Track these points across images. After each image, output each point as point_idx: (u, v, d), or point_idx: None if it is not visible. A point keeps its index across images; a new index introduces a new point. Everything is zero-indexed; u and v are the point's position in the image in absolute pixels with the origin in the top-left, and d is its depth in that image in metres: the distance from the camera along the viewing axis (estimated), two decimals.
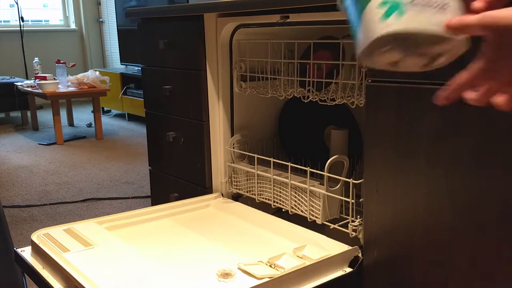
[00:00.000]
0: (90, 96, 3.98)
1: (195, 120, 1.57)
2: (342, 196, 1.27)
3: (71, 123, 4.44)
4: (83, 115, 4.89)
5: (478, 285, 0.92)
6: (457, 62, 0.52)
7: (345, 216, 1.24)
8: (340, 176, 1.26)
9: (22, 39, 5.08)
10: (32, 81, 4.17)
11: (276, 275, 1.01)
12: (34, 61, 4.37)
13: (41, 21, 5.77)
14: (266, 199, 1.46)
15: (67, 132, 4.07)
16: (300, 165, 1.35)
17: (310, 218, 1.32)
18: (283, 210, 1.41)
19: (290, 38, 1.40)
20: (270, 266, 1.09)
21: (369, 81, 1.04)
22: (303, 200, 1.33)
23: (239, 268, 1.08)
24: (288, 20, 1.26)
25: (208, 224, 1.39)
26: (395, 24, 0.47)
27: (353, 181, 1.18)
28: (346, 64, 1.28)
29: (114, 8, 4.99)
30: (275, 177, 1.40)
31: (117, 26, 4.95)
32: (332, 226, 1.24)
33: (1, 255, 1.28)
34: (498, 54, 0.48)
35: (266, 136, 1.69)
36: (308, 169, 1.30)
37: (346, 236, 1.20)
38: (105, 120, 4.65)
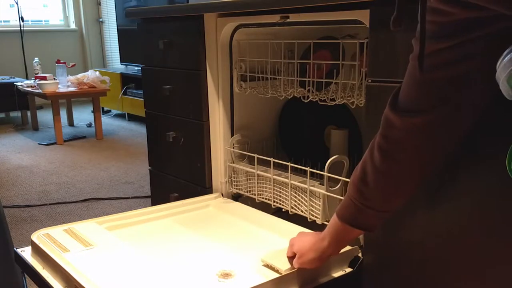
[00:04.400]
0: (90, 96, 3.98)
1: (195, 120, 1.57)
2: (342, 196, 1.27)
3: (71, 123, 4.44)
4: (83, 115, 4.89)
5: (479, 285, 0.92)
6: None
7: None
8: (340, 176, 1.26)
9: (22, 39, 5.08)
10: (32, 81, 4.17)
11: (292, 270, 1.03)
12: (34, 61, 4.37)
13: (41, 21, 5.77)
14: (266, 199, 1.46)
15: (67, 132, 4.07)
16: (300, 165, 1.35)
17: (310, 218, 1.32)
18: (283, 210, 1.41)
19: (290, 38, 1.40)
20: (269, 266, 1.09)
21: (369, 81, 1.04)
22: (303, 200, 1.33)
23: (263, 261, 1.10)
24: (288, 20, 1.26)
25: (208, 224, 1.39)
26: None
27: None
28: (346, 64, 1.28)
29: (114, 8, 4.99)
30: (275, 177, 1.40)
31: (117, 26, 4.95)
32: None
33: (1, 255, 1.28)
34: None
35: (266, 136, 1.69)
36: (308, 169, 1.30)
37: None
38: (105, 120, 4.65)
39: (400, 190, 0.86)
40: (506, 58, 0.59)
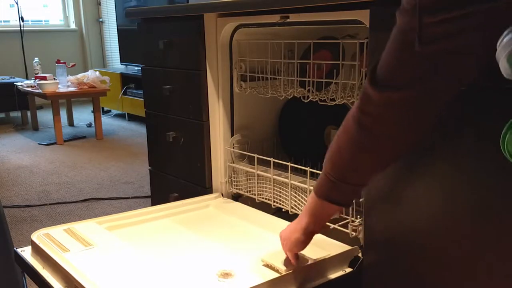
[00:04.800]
0: (90, 96, 3.98)
1: (195, 120, 1.57)
2: None
3: (71, 123, 4.44)
4: (83, 115, 4.89)
5: (479, 285, 0.92)
6: None
7: (345, 216, 1.24)
8: None
9: (22, 39, 5.08)
10: (32, 81, 4.17)
11: (290, 270, 1.03)
12: (34, 61, 4.37)
13: (41, 21, 5.77)
14: (266, 199, 1.46)
15: (67, 132, 4.07)
16: (300, 165, 1.35)
17: None
18: (283, 210, 1.41)
19: (290, 38, 1.40)
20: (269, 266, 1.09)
21: None
22: (303, 200, 1.33)
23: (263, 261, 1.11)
24: (288, 20, 1.26)
25: (208, 224, 1.39)
26: None
27: None
28: (346, 64, 1.28)
29: (114, 8, 4.99)
30: (275, 177, 1.40)
31: (117, 26, 4.95)
32: (332, 226, 1.24)
33: (1, 255, 1.28)
34: None
35: (266, 136, 1.69)
36: (308, 169, 1.30)
37: (346, 236, 1.20)
38: (105, 120, 4.65)
39: (376, 164, 0.86)
40: (506, 38, 0.58)
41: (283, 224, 1.36)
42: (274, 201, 1.43)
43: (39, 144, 3.71)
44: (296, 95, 1.39)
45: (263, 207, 1.48)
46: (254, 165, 1.47)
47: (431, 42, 0.67)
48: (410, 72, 0.72)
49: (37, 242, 1.16)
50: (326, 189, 0.92)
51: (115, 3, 4.92)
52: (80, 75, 3.89)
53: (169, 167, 1.74)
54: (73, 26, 5.88)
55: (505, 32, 0.59)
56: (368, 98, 0.78)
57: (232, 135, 1.57)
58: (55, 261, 1.07)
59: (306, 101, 1.34)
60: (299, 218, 1.01)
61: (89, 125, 4.33)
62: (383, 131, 0.79)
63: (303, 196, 1.33)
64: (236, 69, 1.50)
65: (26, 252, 1.19)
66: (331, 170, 0.89)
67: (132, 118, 4.68)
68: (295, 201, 1.36)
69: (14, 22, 5.31)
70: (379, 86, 0.76)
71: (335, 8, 1.12)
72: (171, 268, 1.08)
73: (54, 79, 3.89)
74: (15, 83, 4.13)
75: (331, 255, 1.10)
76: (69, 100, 4.46)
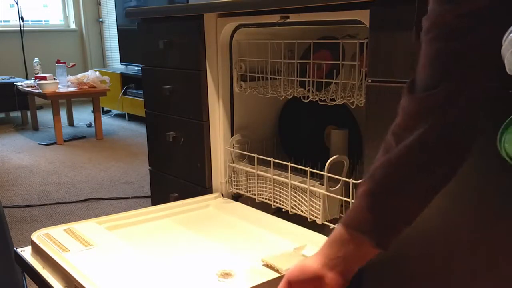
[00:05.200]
0: (90, 96, 3.98)
1: (195, 120, 1.57)
2: (342, 196, 1.27)
3: (71, 123, 4.44)
4: (83, 115, 4.89)
5: (479, 284, 0.92)
6: None
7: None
8: (340, 176, 1.26)
9: (22, 39, 5.08)
10: (32, 81, 4.17)
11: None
12: (34, 61, 4.37)
13: (41, 21, 5.77)
14: (266, 199, 1.46)
15: (67, 132, 4.07)
16: (300, 165, 1.35)
17: (310, 218, 1.32)
18: (283, 210, 1.41)
19: (290, 38, 1.40)
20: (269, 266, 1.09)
21: (369, 81, 1.04)
22: (303, 200, 1.33)
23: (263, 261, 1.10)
24: (288, 20, 1.26)
25: (208, 224, 1.39)
26: None
27: (353, 181, 1.18)
28: (346, 64, 1.28)
29: (114, 8, 4.99)
30: (275, 177, 1.40)
31: (117, 26, 4.95)
32: (332, 226, 1.24)
33: (1, 255, 1.28)
34: None
35: (266, 136, 1.69)
36: (308, 169, 1.30)
37: None
38: (105, 120, 4.65)
39: (425, 185, 0.75)
40: (511, 34, 0.57)
41: (283, 224, 1.36)
42: (274, 201, 1.43)
43: (39, 144, 3.71)
44: (296, 95, 1.39)
45: (263, 207, 1.48)
46: (254, 165, 1.47)
47: (451, 37, 0.64)
48: (438, 69, 0.67)
49: (37, 242, 1.16)
50: (365, 220, 0.75)
51: (115, 3, 4.92)
52: (80, 75, 3.89)
53: (169, 167, 1.74)
54: (73, 26, 5.88)
55: (511, 28, 0.58)
56: (404, 110, 0.71)
57: (232, 135, 1.57)
58: (55, 261, 1.07)
59: (306, 101, 1.34)
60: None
61: (89, 125, 4.33)
62: (425, 146, 0.70)
63: (303, 196, 1.33)
64: (236, 69, 1.50)
65: (26, 252, 1.19)
66: (370, 199, 0.74)
67: (132, 118, 4.68)
68: (295, 201, 1.36)
69: (14, 22, 5.31)
70: (414, 93, 0.70)
71: (335, 8, 1.12)
72: (171, 268, 1.08)
73: (54, 79, 3.89)
74: (15, 83, 4.13)
75: None
76: (69, 100, 4.46)
